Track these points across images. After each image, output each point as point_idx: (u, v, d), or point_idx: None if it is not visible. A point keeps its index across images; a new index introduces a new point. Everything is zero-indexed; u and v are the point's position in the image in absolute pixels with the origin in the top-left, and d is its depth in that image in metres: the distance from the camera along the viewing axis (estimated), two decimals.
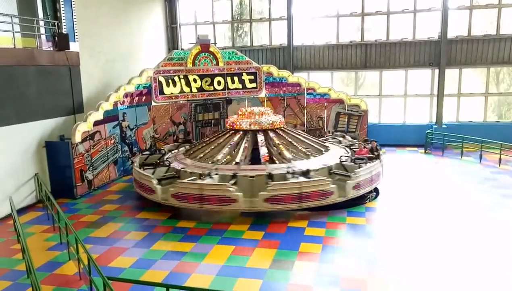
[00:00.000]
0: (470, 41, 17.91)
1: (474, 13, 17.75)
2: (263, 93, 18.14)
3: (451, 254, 8.25)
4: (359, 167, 11.23)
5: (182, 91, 16.88)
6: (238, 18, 20.55)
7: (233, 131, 13.16)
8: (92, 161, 13.31)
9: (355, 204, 11.00)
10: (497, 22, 17.50)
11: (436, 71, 18.30)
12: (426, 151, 17.35)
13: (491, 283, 7.16)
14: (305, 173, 10.72)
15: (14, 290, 7.36)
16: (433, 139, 17.48)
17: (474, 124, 18.19)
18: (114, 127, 14.37)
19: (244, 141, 12.61)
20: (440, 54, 17.93)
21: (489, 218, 10.10)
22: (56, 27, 13.02)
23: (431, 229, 9.53)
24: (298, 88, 17.93)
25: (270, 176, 10.64)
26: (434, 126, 18.15)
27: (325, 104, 17.84)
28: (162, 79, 16.21)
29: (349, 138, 15.34)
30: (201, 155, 12.60)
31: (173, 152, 14.10)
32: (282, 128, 13.37)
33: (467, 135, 16.39)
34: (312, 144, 13.26)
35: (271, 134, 12.91)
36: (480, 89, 18.37)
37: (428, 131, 17.58)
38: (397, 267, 7.78)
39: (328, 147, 13.42)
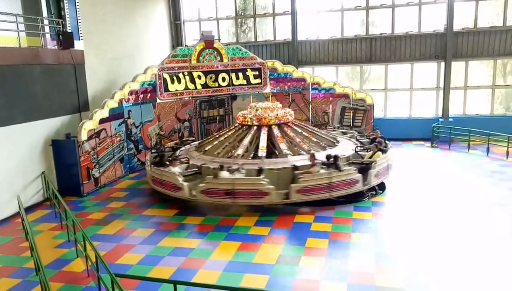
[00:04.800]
0: (476, 33, 17.72)
1: (480, 4, 17.54)
2: (267, 89, 18.09)
3: (459, 248, 8.20)
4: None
5: (186, 88, 16.88)
6: (242, 13, 20.48)
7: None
8: (98, 158, 13.36)
9: (356, 200, 10.94)
10: (503, 14, 17.28)
11: (442, 64, 18.13)
12: (433, 145, 17.23)
13: (500, 278, 7.11)
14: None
15: (23, 288, 7.42)
16: (439, 133, 17.35)
17: (481, 117, 18.03)
18: (119, 125, 14.41)
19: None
20: (446, 47, 17.76)
21: (498, 211, 10.01)
22: (61, 26, 13.06)
23: (439, 223, 9.47)
24: (303, 83, 17.87)
25: None
26: (441, 119, 18.02)
27: (330, 99, 17.77)
28: (166, 76, 16.22)
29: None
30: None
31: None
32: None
33: (474, 128, 16.24)
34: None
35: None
36: (487, 81, 18.19)
37: (434, 125, 17.45)
38: (405, 262, 7.74)
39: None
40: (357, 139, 13.81)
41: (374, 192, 11.47)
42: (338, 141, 13.27)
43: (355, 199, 10.95)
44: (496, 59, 17.80)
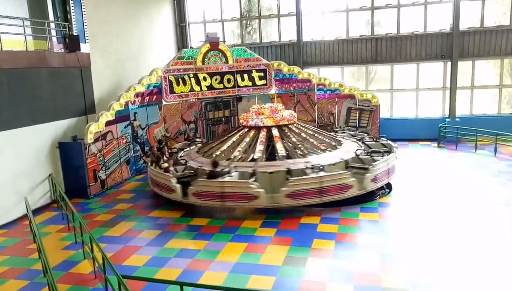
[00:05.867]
0: (483, 32, 17.60)
1: (487, 4, 17.42)
2: (273, 90, 18.08)
3: (465, 249, 8.14)
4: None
5: (192, 89, 16.92)
6: (247, 15, 20.50)
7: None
8: (105, 160, 13.43)
9: (365, 200, 10.89)
10: (510, 13, 17.15)
11: (449, 64, 18.02)
12: (440, 145, 17.12)
13: (504, 278, 7.05)
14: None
15: (30, 289, 7.48)
16: (446, 133, 17.25)
17: (488, 117, 17.91)
18: (125, 127, 14.48)
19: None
20: (452, 46, 17.66)
21: (504, 211, 9.93)
22: (67, 29, 13.15)
23: (445, 224, 9.41)
24: (308, 84, 17.83)
25: None
26: (447, 119, 17.91)
27: (336, 99, 17.72)
28: (172, 78, 16.27)
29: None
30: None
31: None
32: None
33: (481, 128, 16.11)
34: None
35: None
36: (494, 81, 18.05)
37: (441, 125, 17.34)
38: (411, 263, 7.70)
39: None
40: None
41: (383, 191, 11.45)
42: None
43: (365, 198, 10.89)
44: (503, 59, 17.65)
